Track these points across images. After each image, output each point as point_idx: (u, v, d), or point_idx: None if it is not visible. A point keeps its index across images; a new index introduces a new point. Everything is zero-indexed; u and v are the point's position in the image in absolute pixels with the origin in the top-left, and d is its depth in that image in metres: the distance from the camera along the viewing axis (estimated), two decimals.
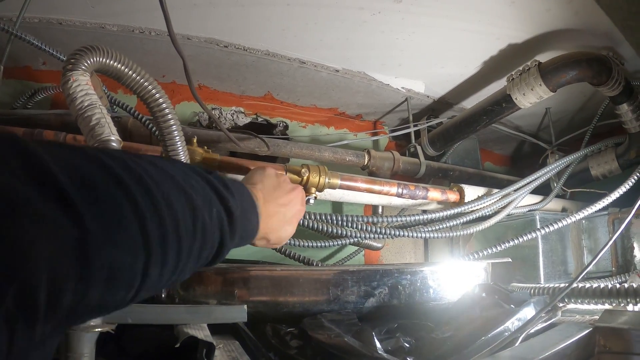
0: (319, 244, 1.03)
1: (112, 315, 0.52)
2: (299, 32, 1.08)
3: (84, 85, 0.60)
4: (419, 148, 1.39)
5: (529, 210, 1.26)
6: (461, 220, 1.10)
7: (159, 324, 0.59)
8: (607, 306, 0.72)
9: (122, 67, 0.64)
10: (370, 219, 1.02)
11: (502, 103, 1.12)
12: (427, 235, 1.03)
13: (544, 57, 1.05)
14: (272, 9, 0.99)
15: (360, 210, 1.54)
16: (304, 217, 0.92)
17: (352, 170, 1.21)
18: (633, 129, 1.13)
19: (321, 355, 0.59)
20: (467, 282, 0.82)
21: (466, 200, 1.17)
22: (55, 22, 1.01)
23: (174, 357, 0.55)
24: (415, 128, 1.43)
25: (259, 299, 0.70)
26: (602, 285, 0.73)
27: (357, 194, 1.05)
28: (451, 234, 1.07)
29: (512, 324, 0.64)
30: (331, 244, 1.05)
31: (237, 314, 0.64)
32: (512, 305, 0.69)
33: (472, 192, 1.20)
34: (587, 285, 0.75)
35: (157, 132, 0.77)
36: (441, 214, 1.08)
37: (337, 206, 1.51)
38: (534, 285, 0.86)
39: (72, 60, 0.60)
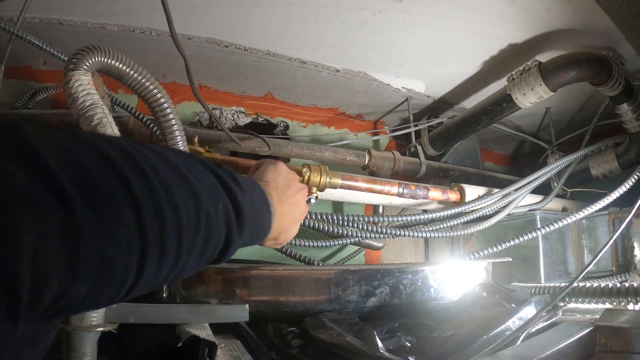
0: (320, 244, 1.03)
1: (113, 315, 0.52)
2: (299, 32, 1.08)
3: (85, 85, 0.60)
4: (419, 148, 1.39)
5: (529, 210, 1.26)
6: (462, 220, 1.10)
7: (161, 323, 0.59)
8: (607, 305, 0.72)
9: (124, 67, 0.64)
10: (371, 219, 1.02)
11: (503, 103, 1.12)
12: (428, 234, 1.03)
13: (544, 57, 1.05)
14: (273, 9, 0.99)
15: (360, 210, 1.54)
16: (305, 216, 0.92)
17: (353, 170, 1.21)
18: (633, 129, 1.13)
19: (323, 355, 0.59)
20: (467, 282, 0.83)
21: (467, 200, 1.17)
22: (56, 22, 1.01)
23: (175, 356, 0.56)
24: (416, 128, 1.43)
25: (260, 299, 0.70)
26: (602, 285, 0.73)
27: (358, 193, 1.05)
28: (452, 234, 1.07)
29: (513, 323, 0.64)
30: (332, 243, 1.05)
31: (239, 313, 0.64)
32: (512, 305, 0.69)
33: (472, 191, 1.20)
34: (588, 284, 0.76)
35: (158, 132, 0.77)
36: (442, 213, 1.08)
37: (338, 206, 1.51)
38: (534, 284, 0.86)
39: (74, 60, 0.60)
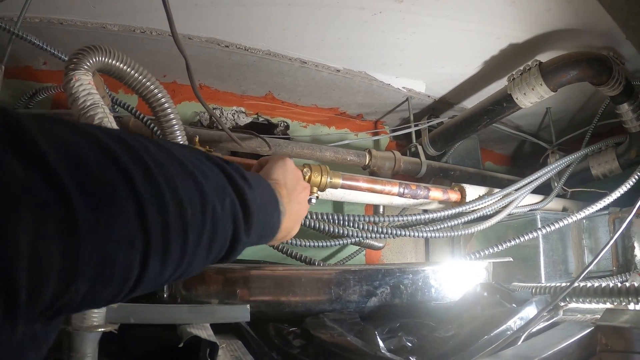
0: (320, 244, 1.03)
1: (114, 315, 0.52)
2: (300, 32, 1.08)
3: (86, 85, 0.60)
4: (419, 148, 1.39)
5: (529, 210, 1.26)
6: (462, 220, 1.10)
7: (162, 323, 0.59)
8: (608, 305, 0.72)
9: (125, 67, 0.64)
10: (372, 219, 1.02)
11: (503, 103, 1.12)
12: (429, 234, 1.03)
13: (544, 57, 1.05)
14: (273, 9, 0.99)
15: (361, 210, 1.54)
16: (306, 216, 0.92)
17: (353, 170, 1.21)
18: (633, 129, 1.13)
19: (324, 355, 0.59)
20: (468, 282, 0.83)
21: (467, 200, 1.17)
22: (56, 22, 1.01)
23: (176, 356, 0.55)
24: (416, 128, 1.43)
25: (261, 299, 0.70)
26: (603, 285, 0.73)
27: (359, 193, 1.05)
28: (452, 234, 1.07)
29: (514, 323, 0.64)
30: (333, 243, 1.05)
31: (240, 313, 0.64)
32: (513, 305, 0.69)
33: (473, 191, 1.20)
34: (589, 284, 0.76)
35: (158, 132, 0.77)
36: (442, 213, 1.08)
37: (338, 206, 1.51)
38: (535, 284, 0.86)
39: (75, 60, 0.60)
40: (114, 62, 0.64)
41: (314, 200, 0.87)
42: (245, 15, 1.01)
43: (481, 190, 1.23)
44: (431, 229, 1.05)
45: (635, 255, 1.19)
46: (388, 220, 1.08)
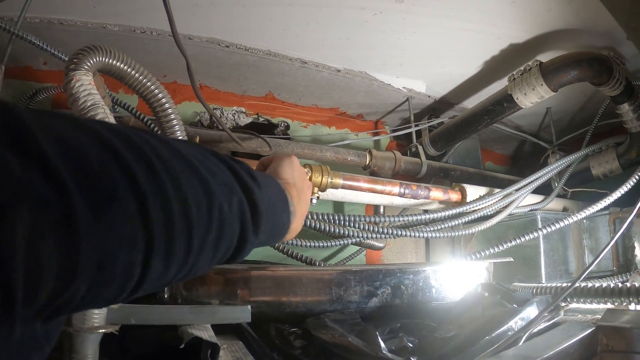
0: (321, 244, 1.03)
1: (115, 316, 0.52)
2: (300, 32, 1.08)
3: (87, 85, 0.60)
4: (420, 148, 1.39)
5: (530, 210, 1.26)
6: (463, 220, 1.10)
7: (163, 324, 0.58)
8: (609, 305, 0.72)
9: (125, 67, 0.64)
10: (372, 219, 1.02)
11: (504, 103, 1.12)
12: (430, 235, 1.03)
13: (545, 57, 1.05)
14: (274, 9, 0.99)
15: (361, 210, 1.54)
16: (307, 217, 0.92)
17: (353, 170, 1.21)
18: (634, 129, 1.13)
19: (325, 355, 0.59)
20: (469, 282, 0.83)
21: (468, 200, 1.17)
22: (56, 22, 1.01)
23: (177, 357, 0.55)
24: (417, 128, 1.43)
25: (261, 299, 0.70)
26: (604, 285, 0.73)
27: (359, 193, 1.05)
28: (453, 234, 1.07)
29: (516, 323, 0.64)
30: (333, 243, 1.05)
31: (241, 314, 0.64)
32: (514, 305, 0.69)
33: (473, 191, 1.20)
34: (590, 284, 0.76)
35: (159, 132, 0.77)
36: (443, 213, 1.08)
37: (338, 206, 1.51)
38: (536, 284, 0.86)
39: (75, 60, 0.60)
40: (114, 62, 0.64)
41: (314, 201, 0.87)
42: (246, 15, 1.01)
43: (482, 190, 1.23)
44: (432, 229, 1.05)
45: (636, 256, 1.19)
46: (389, 221, 1.08)
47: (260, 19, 1.03)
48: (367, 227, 0.99)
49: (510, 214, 1.19)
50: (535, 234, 1.07)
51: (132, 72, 0.65)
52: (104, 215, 0.21)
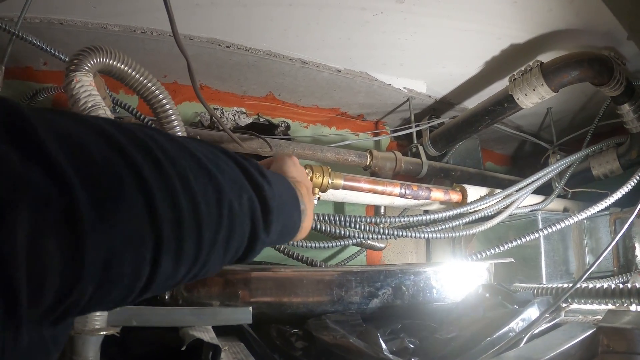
0: (321, 245, 1.03)
1: (116, 318, 0.52)
2: (300, 32, 1.08)
3: (87, 86, 0.59)
4: (420, 148, 1.39)
5: (530, 211, 1.26)
6: (463, 221, 1.10)
7: (164, 326, 0.58)
8: (610, 306, 0.72)
9: (126, 68, 0.64)
10: (373, 220, 1.02)
11: (504, 103, 1.12)
12: (430, 235, 1.03)
13: (545, 57, 1.05)
14: (275, 9, 0.99)
15: (362, 211, 1.54)
16: None
17: (354, 170, 1.21)
18: (634, 129, 1.13)
19: (326, 356, 0.59)
20: (470, 283, 0.83)
21: (468, 201, 1.17)
22: (56, 22, 1.01)
23: (178, 359, 0.55)
24: (417, 128, 1.43)
25: (262, 300, 0.70)
26: (605, 286, 0.73)
27: (360, 194, 1.05)
28: (454, 234, 1.07)
29: (517, 324, 0.64)
30: (334, 244, 1.05)
31: (243, 315, 0.64)
32: (515, 306, 0.69)
33: (474, 192, 1.20)
34: (591, 285, 0.75)
35: None
36: (444, 214, 1.08)
37: (339, 207, 1.50)
38: (537, 285, 0.86)
39: (76, 61, 0.60)
40: (114, 62, 0.63)
41: (315, 201, 0.87)
42: (246, 16, 1.01)
43: (482, 190, 1.22)
44: (432, 229, 1.05)
45: (636, 256, 1.19)
46: (389, 221, 1.08)
47: (261, 19, 1.03)
48: (367, 228, 0.98)
49: (510, 215, 1.19)
50: (536, 235, 1.07)
51: (133, 72, 0.65)
52: (109, 212, 0.20)
